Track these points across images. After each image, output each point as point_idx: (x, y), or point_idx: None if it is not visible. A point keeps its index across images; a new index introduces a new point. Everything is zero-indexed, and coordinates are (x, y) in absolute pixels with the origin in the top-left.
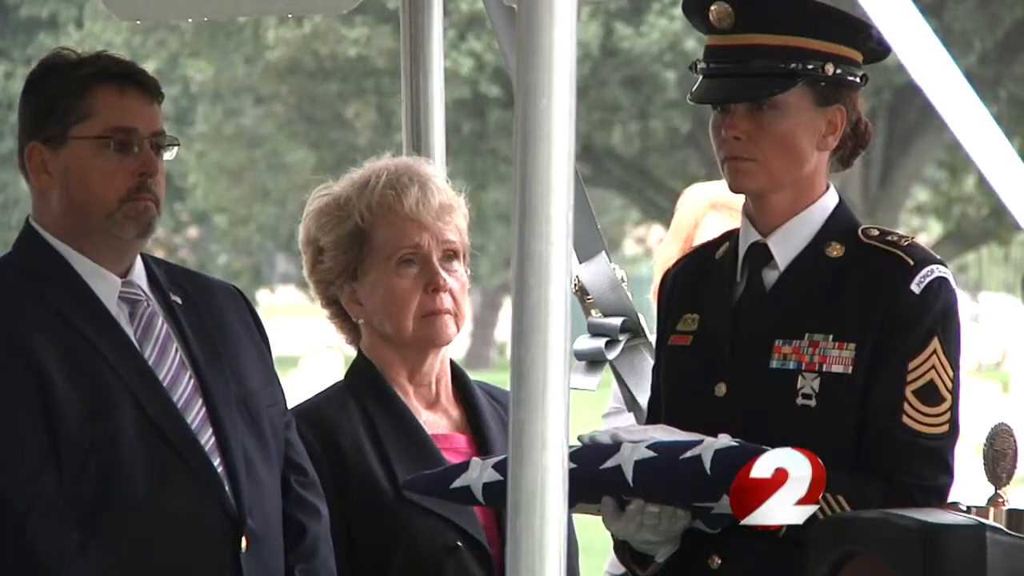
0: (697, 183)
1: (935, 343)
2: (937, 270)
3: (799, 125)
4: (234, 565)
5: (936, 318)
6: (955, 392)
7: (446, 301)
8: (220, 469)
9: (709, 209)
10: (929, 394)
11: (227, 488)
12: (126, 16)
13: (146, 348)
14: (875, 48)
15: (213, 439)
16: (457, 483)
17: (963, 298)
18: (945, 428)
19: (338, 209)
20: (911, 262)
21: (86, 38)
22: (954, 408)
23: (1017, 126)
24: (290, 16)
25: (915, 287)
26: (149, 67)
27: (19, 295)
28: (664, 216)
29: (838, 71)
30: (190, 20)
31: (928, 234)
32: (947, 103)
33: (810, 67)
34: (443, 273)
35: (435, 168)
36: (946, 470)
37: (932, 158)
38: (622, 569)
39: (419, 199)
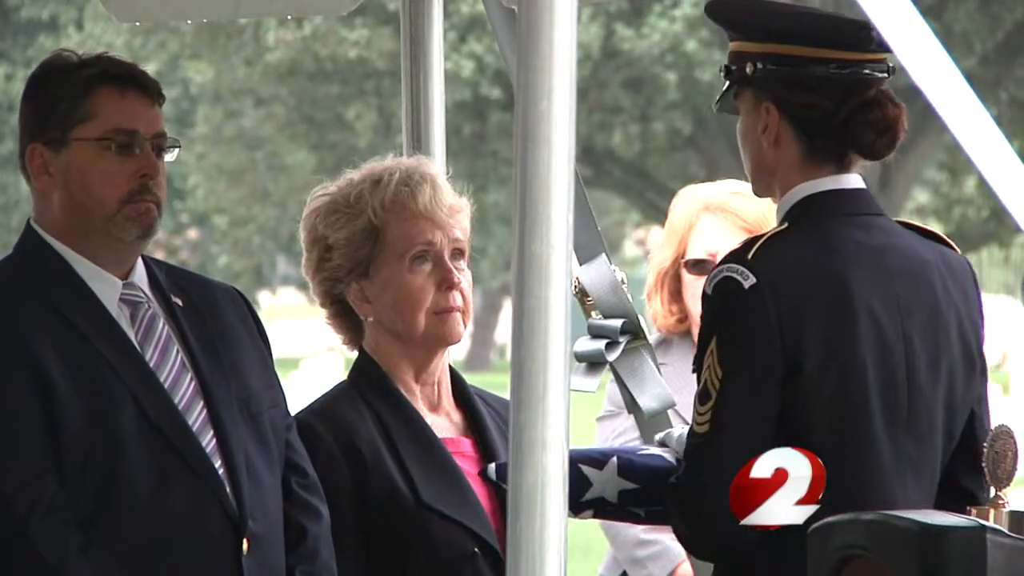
0: (693, 184)
1: (713, 344)
2: (728, 269)
3: (745, 127)
4: (235, 567)
5: (716, 320)
6: (723, 390)
7: (457, 299)
8: (221, 471)
9: (703, 211)
10: (703, 394)
11: (228, 490)
12: (126, 18)
13: (147, 350)
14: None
15: (214, 441)
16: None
17: None
18: (706, 428)
19: (348, 207)
20: (717, 263)
21: (86, 40)
22: (719, 407)
23: (1018, 128)
24: (290, 18)
25: (708, 289)
26: (149, 69)
27: (20, 297)
28: (664, 218)
29: (758, 67)
30: (190, 22)
31: None
32: (947, 105)
33: (733, 69)
34: (454, 270)
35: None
36: (694, 470)
37: (932, 160)
38: (618, 571)
39: (432, 197)
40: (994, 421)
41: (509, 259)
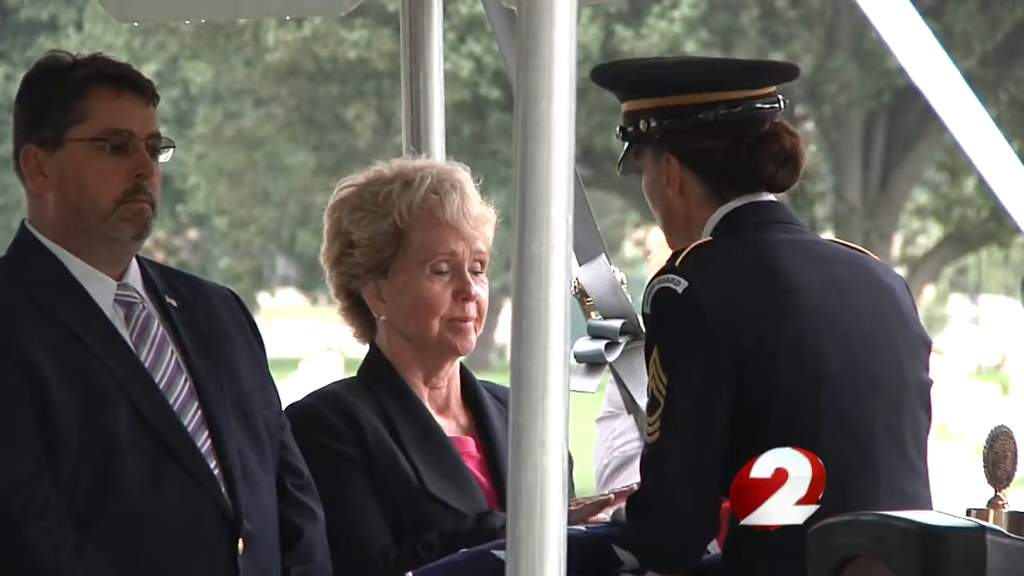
0: None
1: (655, 353)
2: (659, 281)
3: (649, 183)
4: (231, 567)
5: (655, 329)
6: (669, 396)
7: (472, 310)
8: (216, 471)
9: None
10: (651, 404)
11: (223, 490)
12: (125, 18)
13: (142, 350)
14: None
15: (209, 441)
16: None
17: (963, 301)
18: (656, 436)
19: (376, 206)
20: (651, 281)
21: (86, 40)
22: (667, 411)
23: (1017, 128)
24: (290, 18)
25: (646, 307)
26: (149, 69)
27: (14, 297)
28: None
29: (651, 123)
30: (189, 22)
31: (928, 236)
32: (947, 106)
33: (630, 130)
34: (472, 283)
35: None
36: (651, 479)
37: (932, 160)
38: None
39: (460, 207)
40: (994, 421)
41: (509, 259)
